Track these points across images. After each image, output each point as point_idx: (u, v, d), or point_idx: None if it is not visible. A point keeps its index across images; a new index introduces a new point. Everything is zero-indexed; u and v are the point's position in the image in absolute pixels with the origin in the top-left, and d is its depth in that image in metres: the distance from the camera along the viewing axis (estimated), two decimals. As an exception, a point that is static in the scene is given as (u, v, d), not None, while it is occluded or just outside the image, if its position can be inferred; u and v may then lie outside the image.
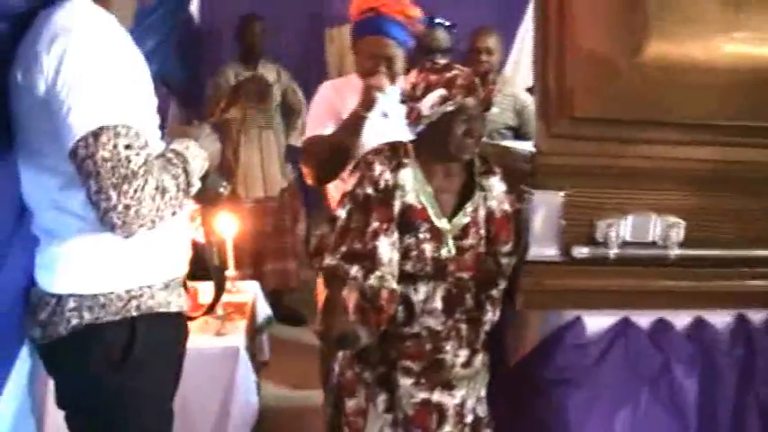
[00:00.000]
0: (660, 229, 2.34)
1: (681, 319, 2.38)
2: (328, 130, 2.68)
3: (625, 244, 2.32)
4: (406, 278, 2.15)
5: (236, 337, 2.81)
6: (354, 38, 2.79)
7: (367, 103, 2.60)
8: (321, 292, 2.58)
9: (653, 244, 2.35)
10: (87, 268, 1.65)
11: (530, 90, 4.25)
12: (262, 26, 4.82)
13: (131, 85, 1.58)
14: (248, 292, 3.28)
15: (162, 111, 4.49)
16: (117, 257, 1.65)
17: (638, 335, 2.32)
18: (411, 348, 2.21)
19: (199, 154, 1.72)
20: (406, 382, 2.21)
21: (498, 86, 3.95)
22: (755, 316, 2.43)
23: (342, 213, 2.16)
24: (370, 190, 2.13)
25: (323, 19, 5.40)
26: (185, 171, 1.64)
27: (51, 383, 1.83)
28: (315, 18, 5.44)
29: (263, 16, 4.85)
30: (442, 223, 2.18)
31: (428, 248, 2.15)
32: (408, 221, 2.15)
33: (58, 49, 1.48)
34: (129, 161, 1.48)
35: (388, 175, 2.14)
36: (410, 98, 2.16)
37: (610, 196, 2.31)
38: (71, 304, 1.65)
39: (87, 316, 1.64)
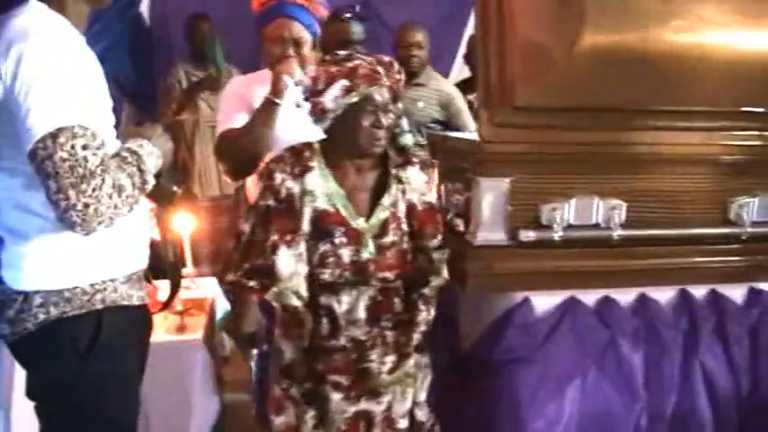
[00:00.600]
0: (603, 212, 2.45)
1: (626, 297, 2.49)
2: (239, 122, 2.58)
3: (569, 227, 2.42)
4: (326, 289, 2.08)
5: (196, 331, 2.85)
6: (260, 27, 2.69)
7: (278, 89, 2.51)
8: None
9: (596, 226, 2.45)
10: (52, 265, 1.69)
11: (457, 85, 4.35)
12: (209, 26, 4.81)
13: (87, 87, 1.63)
14: (207, 287, 3.32)
15: (116, 111, 4.50)
16: (80, 253, 1.70)
17: (585, 312, 2.42)
18: (338, 362, 2.12)
19: (153, 152, 1.77)
20: (336, 396, 2.13)
21: (422, 80, 4.04)
22: (697, 291, 2.55)
23: (245, 228, 2.09)
24: (271, 201, 2.05)
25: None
26: (140, 169, 1.69)
27: (18, 376, 1.86)
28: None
29: (210, 16, 4.84)
30: (359, 223, 2.10)
31: (346, 253, 2.07)
32: (322, 228, 2.07)
33: (14, 54, 1.52)
34: (87, 161, 1.53)
35: (290, 183, 2.05)
36: (312, 93, 2.08)
37: (553, 181, 2.40)
38: (38, 300, 1.69)
39: (54, 311, 1.69)
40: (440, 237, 2.21)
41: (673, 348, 2.47)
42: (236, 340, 2.20)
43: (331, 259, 2.06)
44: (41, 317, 1.68)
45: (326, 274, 2.06)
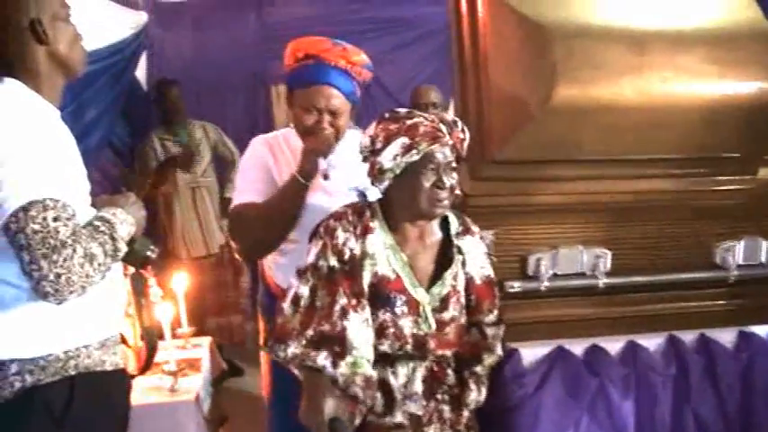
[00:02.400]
0: (588, 260, 2.48)
1: (614, 344, 2.49)
2: (258, 195, 2.31)
3: (555, 276, 2.45)
4: (382, 360, 1.93)
5: (189, 392, 2.85)
6: (291, 89, 2.35)
7: (307, 170, 2.23)
8: (267, 384, 2.55)
9: (582, 275, 2.48)
10: (26, 333, 1.72)
11: None
12: (177, 89, 4.79)
13: (59, 160, 1.67)
14: (202, 347, 3.33)
15: (110, 173, 4.56)
16: (53, 321, 1.72)
17: (573, 361, 2.41)
18: None
19: (126, 219, 1.81)
20: None
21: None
22: (686, 336, 2.55)
23: (304, 291, 1.92)
24: (334, 261, 1.91)
25: (266, 77, 5.54)
26: (112, 237, 1.72)
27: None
28: (258, 76, 5.58)
29: (177, 80, 4.83)
30: (419, 293, 1.96)
31: (407, 324, 1.93)
32: (381, 294, 1.92)
33: None
34: (58, 232, 1.56)
35: (353, 243, 1.92)
36: (370, 152, 1.93)
37: (537, 232, 2.44)
38: (13, 368, 1.71)
39: (29, 378, 1.71)
40: (496, 312, 2.10)
41: (663, 395, 2.46)
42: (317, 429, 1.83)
43: (391, 330, 1.93)
44: (17, 385, 1.70)
45: (385, 345, 1.93)
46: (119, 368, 1.88)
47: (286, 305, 1.95)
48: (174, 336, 3.06)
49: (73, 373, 1.74)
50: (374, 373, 1.89)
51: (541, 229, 2.44)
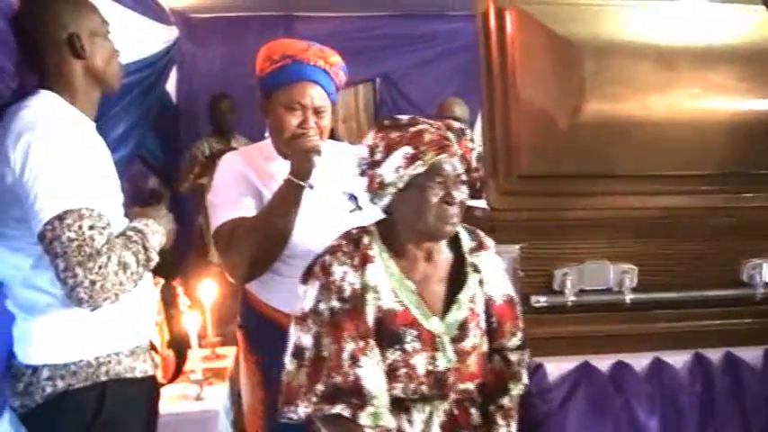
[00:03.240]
0: (614, 276, 2.47)
1: (640, 361, 2.49)
2: (247, 210, 2.11)
3: (581, 291, 2.45)
4: (394, 405, 1.67)
5: (216, 401, 2.88)
6: (269, 92, 2.18)
7: (304, 168, 2.03)
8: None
9: (608, 290, 2.47)
10: (59, 339, 1.76)
11: None
12: (230, 103, 5.11)
13: (94, 171, 1.71)
14: (228, 357, 3.35)
15: (140, 185, 4.62)
16: (85, 327, 1.76)
17: (599, 378, 2.42)
18: None
19: (158, 230, 1.86)
20: None
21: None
22: (712, 354, 2.54)
23: (306, 341, 1.68)
24: (334, 302, 1.66)
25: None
26: (144, 247, 1.76)
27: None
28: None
29: (231, 95, 5.07)
30: (434, 324, 1.71)
31: (420, 362, 1.68)
32: (389, 331, 1.67)
33: (23, 144, 1.62)
34: (93, 240, 1.61)
35: (352, 277, 1.68)
36: (369, 165, 1.70)
37: (564, 247, 2.44)
38: (45, 374, 1.75)
39: (60, 384, 1.74)
40: (520, 335, 1.86)
41: (689, 413, 2.46)
42: None
43: (403, 371, 1.67)
44: (48, 390, 1.74)
45: (398, 389, 1.68)
46: (148, 375, 1.91)
47: (288, 360, 1.70)
48: (201, 345, 3.09)
49: (104, 379, 1.77)
50: (394, 424, 1.65)
51: (568, 244, 2.44)
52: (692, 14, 2.51)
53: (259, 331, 2.23)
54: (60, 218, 1.59)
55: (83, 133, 1.75)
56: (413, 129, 1.67)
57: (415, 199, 1.66)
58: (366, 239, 1.73)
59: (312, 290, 1.71)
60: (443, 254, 1.80)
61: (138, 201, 4.36)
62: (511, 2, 2.38)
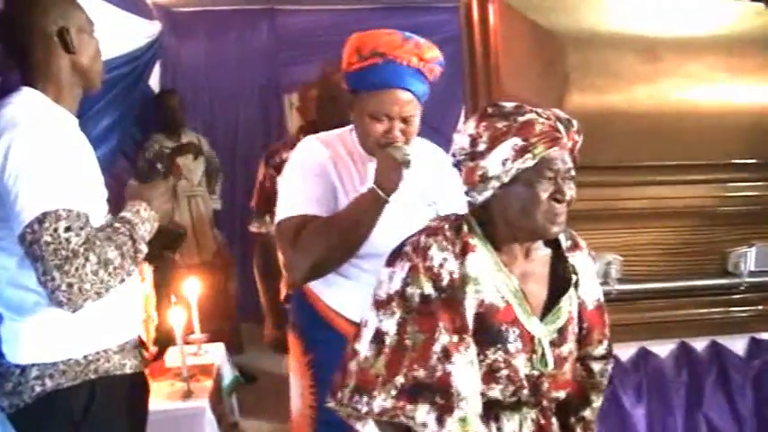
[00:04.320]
0: (599, 267, 2.47)
1: (626, 351, 2.50)
2: (319, 206, 1.97)
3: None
4: (484, 410, 1.54)
5: (202, 398, 2.87)
6: (355, 90, 2.00)
7: (392, 182, 1.88)
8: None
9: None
10: (47, 338, 1.74)
11: None
12: (177, 99, 4.95)
13: (76, 170, 1.69)
14: (213, 353, 3.34)
15: (122, 181, 4.61)
16: (73, 326, 1.74)
17: (585, 368, 2.42)
18: None
19: (149, 218, 1.82)
20: None
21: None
22: (698, 343, 2.56)
23: (389, 326, 1.53)
24: (429, 288, 1.51)
25: (279, 86, 5.59)
26: (132, 238, 1.74)
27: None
28: (271, 85, 5.62)
29: (176, 90, 5.00)
30: (534, 325, 1.56)
31: (522, 364, 1.54)
32: (491, 328, 1.53)
33: (4, 143, 1.60)
34: (69, 242, 1.58)
35: (452, 265, 1.52)
36: (469, 155, 1.55)
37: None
38: (34, 373, 1.73)
39: (49, 383, 1.73)
40: (606, 343, 1.74)
41: (675, 402, 2.47)
42: None
43: (504, 372, 1.54)
44: (38, 389, 1.73)
45: (496, 391, 1.55)
46: (138, 371, 1.90)
47: (363, 345, 1.56)
48: (187, 341, 3.08)
49: (93, 377, 1.77)
50: None
51: (552, 236, 2.44)
52: (676, 5, 2.52)
53: (314, 330, 2.12)
54: (39, 220, 1.57)
55: (66, 131, 1.73)
56: (521, 118, 1.51)
57: (521, 195, 1.51)
58: (466, 227, 1.58)
59: (400, 271, 1.55)
60: (541, 251, 1.65)
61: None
62: (494, -7, 2.38)
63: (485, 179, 1.52)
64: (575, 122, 1.56)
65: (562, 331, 1.59)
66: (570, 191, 1.53)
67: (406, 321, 1.51)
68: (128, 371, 1.85)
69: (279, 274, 2.87)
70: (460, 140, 1.58)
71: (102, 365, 1.78)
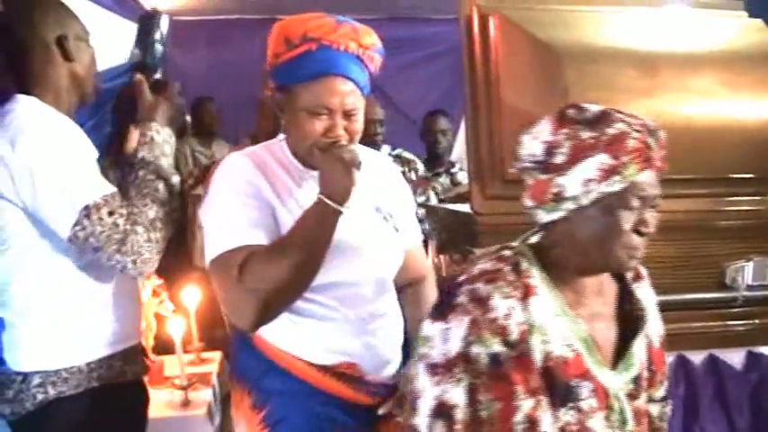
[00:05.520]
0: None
1: (623, 364, 2.49)
2: (258, 234, 1.64)
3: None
4: None
5: (200, 406, 2.87)
6: (285, 85, 1.71)
7: (342, 188, 1.59)
8: None
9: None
10: (49, 346, 1.75)
11: None
12: (214, 107, 5.17)
13: (90, 162, 1.72)
14: (213, 362, 3.34)
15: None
16: (76, 334, 1.76)
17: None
18: None
19: (165, 140, 1.84)
20: None
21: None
22: (695, 357, 2.56)
23: (457, 397, 1.28)
24: (497, 346, 1.27)
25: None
26: (161, 177, 1.79)
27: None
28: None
29: (214, 98, 5.09)
30: (606, 376, 1.34)
31: (598, 424, 1.32)
32: (560, 384, 1.30)
33: (19, 155, 1.62)
34: (117, 225, 1.66)
35: (519, 314, 1.29)
36: (542, 167, 1.33)
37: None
38: (36, 381, 1.74)
39: (52, 391, 1.74)
40: (666, 383, 1.55)
41: (672, 415, 2.46)
42: None
43: None
44: (40, 397, 1.74)
45: None
46: (138, 379, 1.90)
47: (422, 420, 1.31)
48: (185, 350, 3.08)
49: (95, 384, 1.78)
50: None
51: (551, 248, 2.44)
52: (674, 20, 2.54)
53: (266, 380, 1.77)
54: (86, 215, 1.63)
55: (73, 131, 1.74)
56: (610, 130, 1.27)
57: (598, 222, 1.29)
58: (524, 264, 1.34)
59: (457, 328, 1.29)
60: (611, 285, 1.43)
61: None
62: (494, 7, 2.40)
63: (559, 198, 1.30)
64: (662, 134, 1.33)
65: (637, 380, 1.38)
66: (653, 221, 1.31)
67: (477, 388, 1.27)
68: (130, 377, 1.86)
69: None
70: (531, 145, 1.36)
71: (103, 373, 1.79)
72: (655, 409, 1.54)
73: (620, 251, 1.29)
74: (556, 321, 1.31)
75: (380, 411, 1.78)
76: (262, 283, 1.59)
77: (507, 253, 1.38)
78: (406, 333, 1.93)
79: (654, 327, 1.46)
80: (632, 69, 2.36)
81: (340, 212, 1.59)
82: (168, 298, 3.19)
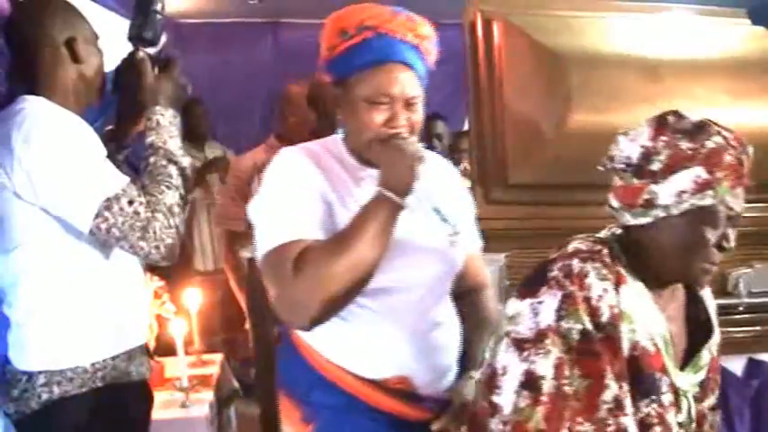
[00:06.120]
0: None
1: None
2: (314, 230, 1.53)
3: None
4: None
5: (201, 408, 2.86)
6: (342, 77, 1.62)
7: (404, 182, 1.48)
8: None
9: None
10: (54, 345, 1.74)
11: None
12: (202, 108, 4.98)
13: (102, 155, 1.72)
14: (214, 364, 3.34)
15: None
16: (82, 333, 1.75)
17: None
18: None
19: (169, 123, 1.83)
20: None
21: None
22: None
23: (545, 369, 1.26)
24: (588, 323, 1.25)
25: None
26: (172, 161, 1.78)
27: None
28: (274, 97, 5.63)
29: (203, 100, 5.02)
30: (678, 376, 1.34)
31: (674, 421, 1.31)
32: (644, 376, 1.28)
33: (32, 153, 1.61)
34: (138, 213, 1.66)
35: (612, 298, 1.27)
36: (636, 171, 1.32)
37: (548, 255, 2.45)
38: (41, 380, 1.74)
39: (57, 390, 1.73)
40: (717, 391, 1.50)
41: (673, 421, 2.47)
42: None
43: (657, 429, 1.28)
44: (44, 396, 1.73)
45: None
46: (144, 379, 1.91)
47: (506, 396, 1.28)
48: (187, 352, 3.08)
49: (100, 384, 1.77)
50: None
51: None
52: (677, 27, 2.55)
53: (315, 392, 1.67)
54: (107, 207, 1.63)
55: (83, 128, 1.75)
56: (709, 143, 1.26)
57: (684, 233, 1.28)
58: (616, 251, 1.34)
59: (551, 301, 1.27)
60: (680, 288, 1.42)
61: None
62: (498, 13, 2.41)
63: (650, 205, 1.29)
64: (751, 149, 1.32)
65: (703, 384, 1.38)
66: (733, 236, 1.30)
67: (564, 363, 1.24)
68: (135, 378, 1.86)
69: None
70: (628, 148, 1.34)
71: (109, 373, 1.79)
72: (711, 417, 1.49)
73: (699, 264, 1.30)
74: (642, 313, 1.30)
75: (435, 427, 1.63)
76: (317, 279, 1.46)
77: (601, 237, 1.39)
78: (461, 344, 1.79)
79: (715, 334, 1.44)
80: (635, 75, 2.37)
81: (401, 207, 1.48)
82: (170, 300, 3.19)
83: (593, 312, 1.25)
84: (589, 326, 1.24)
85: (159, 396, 2.86)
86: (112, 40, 1.93)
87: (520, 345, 1.28)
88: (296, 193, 1.57)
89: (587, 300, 1.25)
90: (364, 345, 1.62)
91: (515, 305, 1.32)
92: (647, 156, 1.30)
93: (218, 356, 3.45)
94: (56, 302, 1.71)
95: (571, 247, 1.36)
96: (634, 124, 2.33)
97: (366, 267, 1.48)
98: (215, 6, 5.32)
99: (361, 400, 1.61)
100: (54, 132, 1.66)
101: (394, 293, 1.56)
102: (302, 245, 1.49)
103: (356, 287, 1.50)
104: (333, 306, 1.50)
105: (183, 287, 3.46)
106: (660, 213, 1.28)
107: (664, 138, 1.29)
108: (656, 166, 1.28)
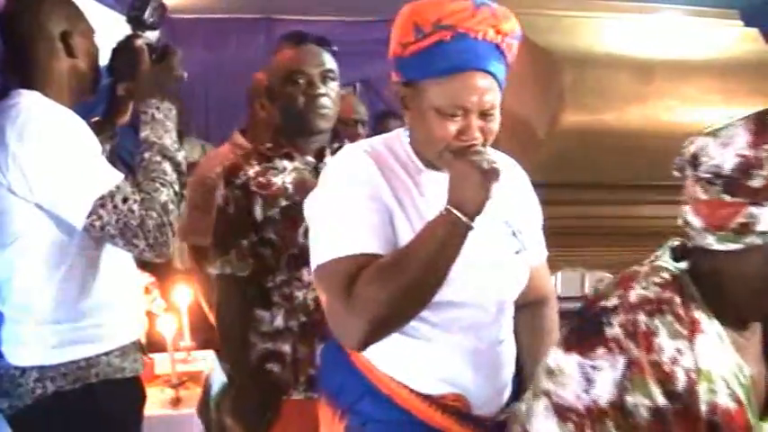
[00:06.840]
0: (589, 284, 2.49)
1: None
2: (376, 243, 1.44)
3: (558, 299, 2.45)
4: None
5: (191, 405, 2.86)
6: (413, 82, 1.49)
7: (476, 202, 1.37)
8: None
9: (583, 298, 2.49)
10: (48, 340, 1.75)
11: None
12: (180, 106, 4.94)
13: (97, 151, 1.72)
14: (204, 360, 3.33)
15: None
16: (75, 329, 1.76)
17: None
18: None
19: (164, 117, 1.84)
20: None
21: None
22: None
23: None
24: (659, 395, 1.07)
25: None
26: (167, 157, 1.78)
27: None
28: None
29: (181, 97, 5.01)
30: (764, 429, 1.14)
31: None
32: None
33: (27, 149, 1.63)
34: (133, 211, 1.66)
35: (689, 359, 1.08)
36: (730, 186, 1.09)
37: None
38: (34, 375, 1.74)
39: (50, 386, 1.74)
40: None
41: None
42: None
43: None
44: (38, 392, 1.74)
45: None
46: (136, 375, 1.90)
47: None
48: (176, 348, 3.08)
49: (93, 380, 1.78)
50: None
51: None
52: (670, 27, 2.55)
53: (367, 404, 1.59)
54: (101, 205, 1.64)
55: (77, 124, 1.74)
56: None
57: None
58: (688, 292, 1.13)
59: (609, 367, 1.07)
60: (757, 327, 1.22)
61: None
62: (492, 12, 2.40)
63: (746, 230, 1.07)
64: None
65: None
66: None
67: None
68: (128, 374, 1.86)
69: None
70: (719, 155, 1.12)
71: (102, 369, 1.80)
72: None
73: None
74: (722, 364, 1.10)
75: None
76: (369, 302, 1.37)
77: (667, 277, 1.15)
78: (517, 362, 1.71)
79: None
80: (628, 75, 2.37)
81: (469, 228, 1.38)
82: (160, 296, 3.18)
83: (666, 379, 1.06)
84: (660, 399, 1.06)
85: (149, 392, 2.85)
86: (110, 37, 1.93)
87: (563, 414, 1.10)
88: (357, 203, 1.48)
89: (657, 365, 1.06)
90: (421, 358, 1.54)
91: (560, 359, 1.13)
92: (746, 168, 1.07)
93: (209, 353, 3.44)
94: (49, 298, 1.71)
95: (634, 295, 1.13)
96: (626, 124, 2.36)
97: (424, 291, 1.40)
98: (208, 2, 5.30)
99: (414, 416, 1.53)
100: (48, 129, 1.65)
101: (456, 308, 1.49)
102: (360, 261, 1.41)
103: (412, 311, 1.43)
104: (385, 329, 1.43)
105: (174, 281, 3.45)
106: (756, 241, 1.06)
107: (767, 146, 1.06)
108: (758, 183, 1.05)
